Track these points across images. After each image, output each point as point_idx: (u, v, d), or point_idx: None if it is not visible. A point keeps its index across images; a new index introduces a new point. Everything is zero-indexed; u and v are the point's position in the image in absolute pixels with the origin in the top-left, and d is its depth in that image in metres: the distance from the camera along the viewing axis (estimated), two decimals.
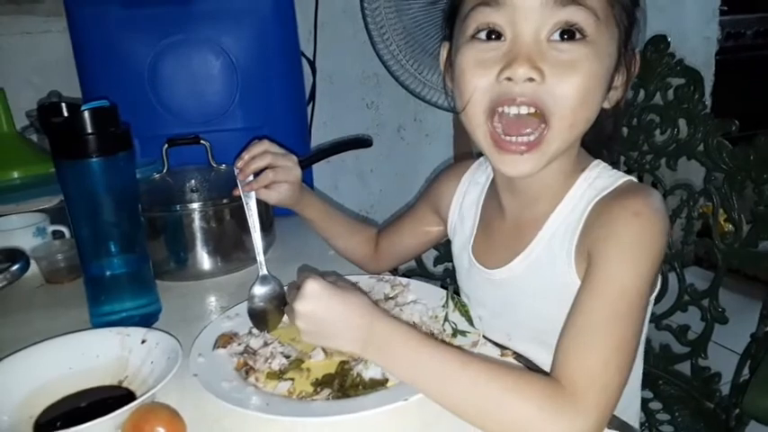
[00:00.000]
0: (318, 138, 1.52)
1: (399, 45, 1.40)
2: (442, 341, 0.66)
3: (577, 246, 0.65)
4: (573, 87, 0.59)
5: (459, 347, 0.63)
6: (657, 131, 0.98)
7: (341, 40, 1.57)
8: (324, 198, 0.95)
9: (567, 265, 0.66)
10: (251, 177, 0.84)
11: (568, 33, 0.59)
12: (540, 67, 0.58)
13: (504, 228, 0.75)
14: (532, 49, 0.59)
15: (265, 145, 0.85)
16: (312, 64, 1.52)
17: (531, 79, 0.58)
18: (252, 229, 0.80)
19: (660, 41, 0.94)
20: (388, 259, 0.96)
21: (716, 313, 0.94)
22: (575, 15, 0.58)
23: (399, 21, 1.37)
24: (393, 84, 1.50)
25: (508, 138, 0.61)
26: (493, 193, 0.78)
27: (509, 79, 0.59)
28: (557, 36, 0.59)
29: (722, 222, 0.95)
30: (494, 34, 0.61)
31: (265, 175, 0.85)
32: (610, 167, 0.70)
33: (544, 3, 0.58)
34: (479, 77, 0.61)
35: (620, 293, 0.58)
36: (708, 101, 0.93)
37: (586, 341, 0.57)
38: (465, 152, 1.72)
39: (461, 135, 1.75)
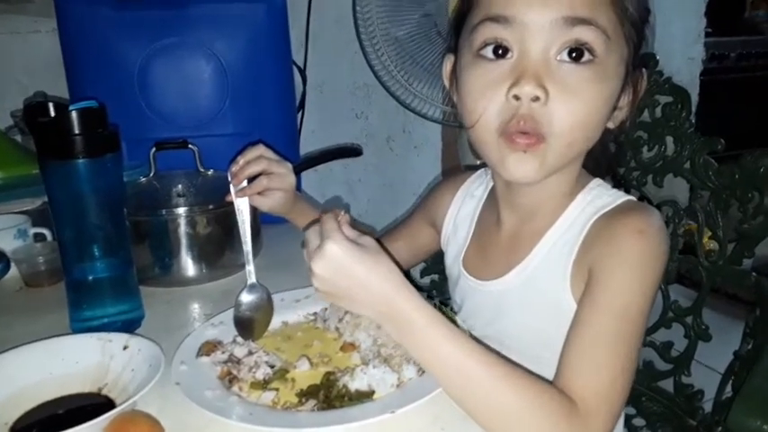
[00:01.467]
0: (306, 146, 1.52)
1: (390, 56, 1.40)
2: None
3: (575, 262, 0.65)
4: (573, 112, 0.59)
5: (483, 345, 0.60)
6: (645, 148, 0.99)
7: (332, 49, 1.57)
8: (316, 205, 0.94)
9: (562, 281, 0.66)
10: (245, 183, 0.83)
11: (577, 52, 0.58)
12: (546, 86, 0.58)
13: (499, 240, 0.74)
14: (540, 67, 0.58)
15: (260, 150, 0.85)
16: (303, 72, 1.52)
17: (536, 98, 0.58)
18: (242, 237, 0.78)
19: (649, 59, 0.95)
20: None
21: (699, 330, 0.94)
22: (585, 35, 0.57)
23: (392, 31, 1.38)
24: (383, 94, 1.50)
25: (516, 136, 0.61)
26: (490, 205, 0.78)
27: (516, 97, 0.59)
28: (565, 55, 0.58)
29: (706, 240, 0.96)
30: (500, 50, 0.60)
31: (259, 181, 0.84)
32: (609, 186, 0.70)
33: (554, 21, 0.57)
34: (488, 100, 0.61)
35: (624, 311, 0.59)
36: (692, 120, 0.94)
37: (595, 359, 0.57)
38: (453, 164, 1.73)
39: (450, 147, 1.76)
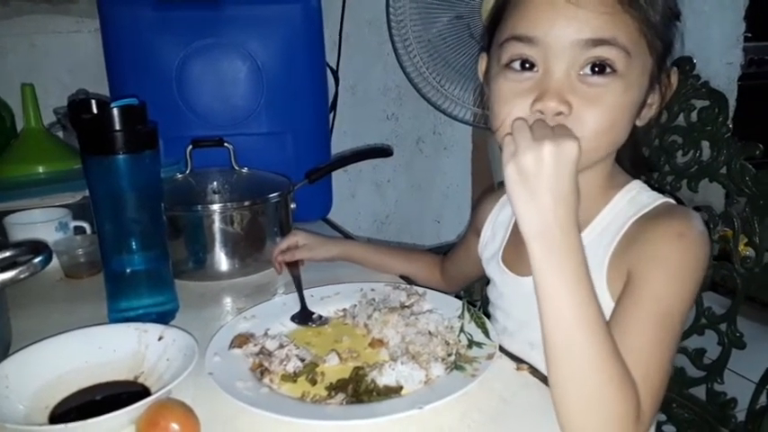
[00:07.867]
0: (337, 146, 1.53)
1: (423, 57, 1.40)
2: None
3: (611, 261, 0.65)
4: (598, 118, 0.60)
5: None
6: (679, 153, 0.98)
7: (365, 51, 1.59)
8: (365, 242, 1.01)
9: (598, 279, 0.65)
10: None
11: (599, 68, 0.60)
12: (569, 101, 0.59)
13: None
14: (563, 84, 0.60)
15: (290, 240, 0.96)
16: (335, 73, 1.53)
17: (560, 113, 0.60)
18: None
19: (685, 63, 0.94)
20: (454, 282, 1.01)
21: (733, 338, 0.93)
22: (606, 53, 0.59)
23: (424, 33, 1.38)
24: (414, 96, 1.50)
25: None
26: None
27: (540, 112, 0.60)
28: (587, 69, 0.60)
29: (742, 247, 0.94)
30: (527, 63, 0.62)
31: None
32: (648, 187, 0.70)
33: (576, 43, 0.59)
34: (513, 107, 0.62)
35: (666, 315, 0.59)
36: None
37: (647, 364, 0.57)
38: (483, 167, 1.72)
39: (480, 149, 1.75)
